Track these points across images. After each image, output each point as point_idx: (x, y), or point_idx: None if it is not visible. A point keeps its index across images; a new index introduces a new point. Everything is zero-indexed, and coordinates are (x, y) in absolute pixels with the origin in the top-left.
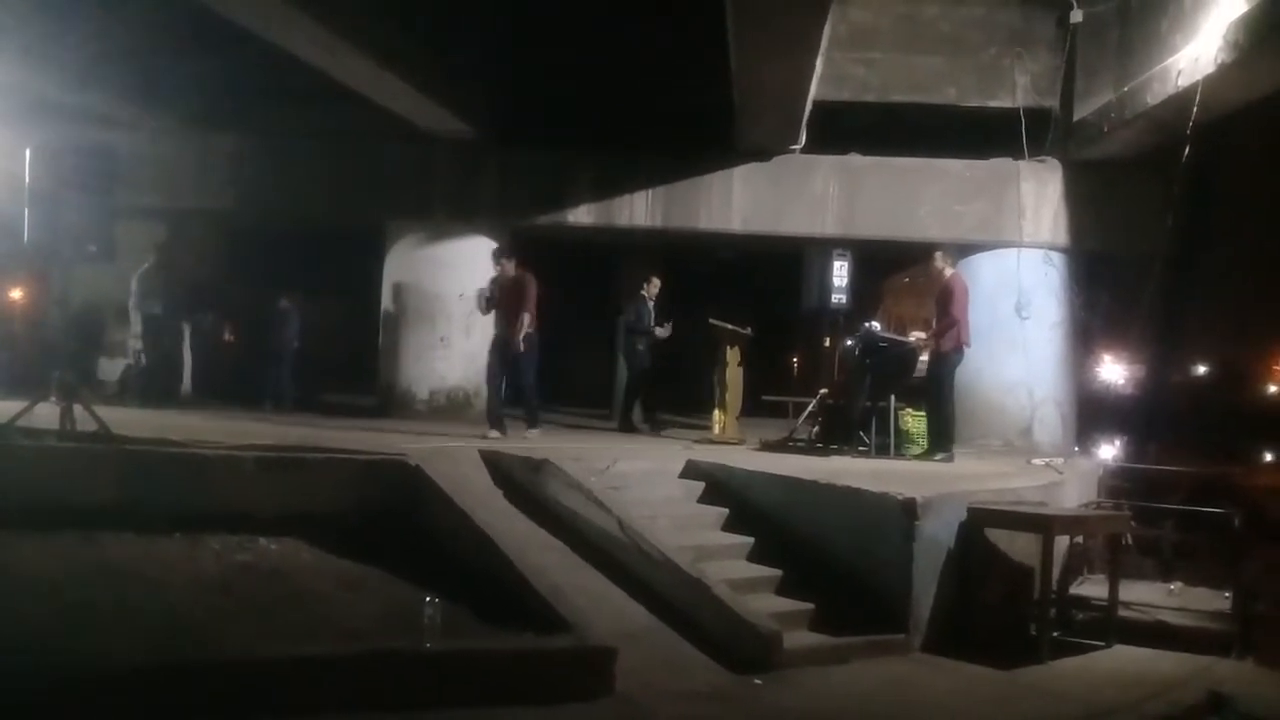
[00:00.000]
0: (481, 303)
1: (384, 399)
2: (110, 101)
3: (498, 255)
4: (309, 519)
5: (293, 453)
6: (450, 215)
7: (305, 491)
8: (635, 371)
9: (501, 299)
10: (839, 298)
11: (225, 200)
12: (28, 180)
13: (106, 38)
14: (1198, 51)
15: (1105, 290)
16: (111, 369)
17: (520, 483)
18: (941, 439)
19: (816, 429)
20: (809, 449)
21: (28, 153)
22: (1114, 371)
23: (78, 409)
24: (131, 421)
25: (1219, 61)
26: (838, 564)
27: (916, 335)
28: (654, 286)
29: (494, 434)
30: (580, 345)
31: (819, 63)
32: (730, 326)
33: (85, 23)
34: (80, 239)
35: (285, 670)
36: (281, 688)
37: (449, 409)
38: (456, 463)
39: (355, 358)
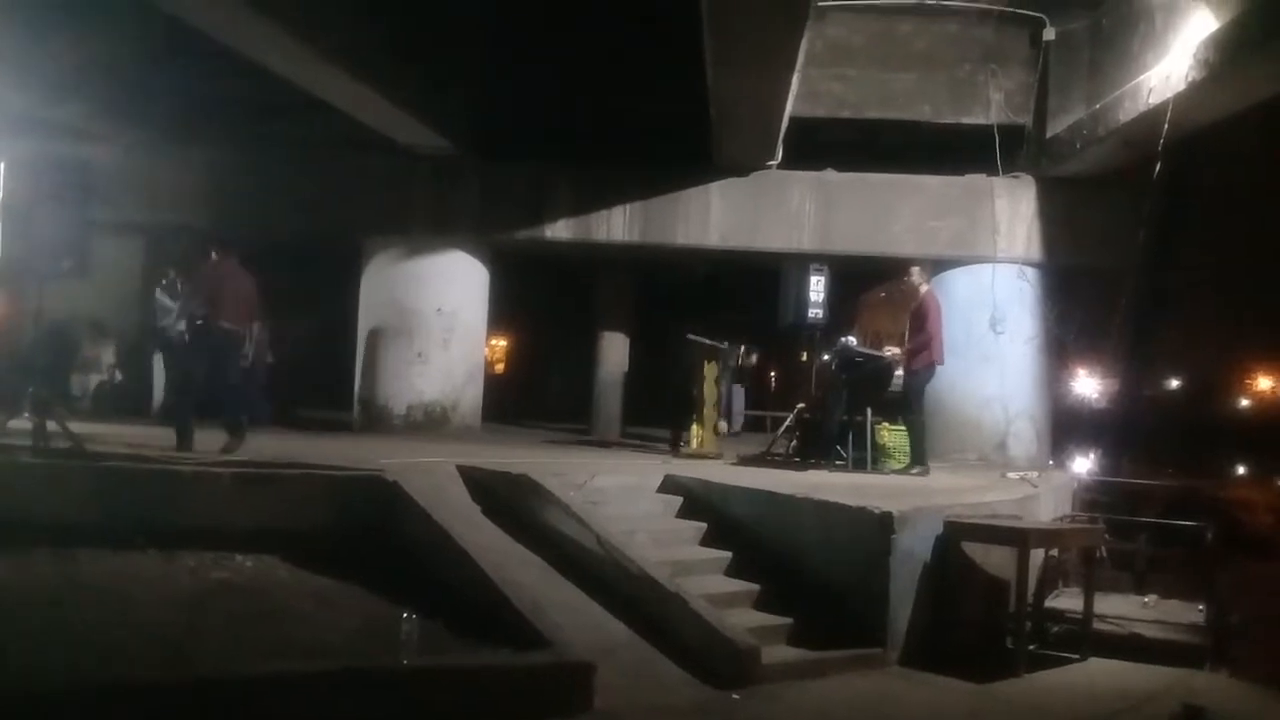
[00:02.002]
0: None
1: (362, 415)
2: (86, 115)
3: (205, 248)
4: (285, 535)
5: (269, 468)
6: (429, 230)
7: (281, 507)
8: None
9: (211, 293)
10: (816, 312)
11: (202, 215)
12: (2, 194)
13: (82, 51)
14: (1169, 69)
15: (1079, 305)
16: (85, 385)
17: (498, 497)
18: (915, 453)
19: (794, 443)
20: (786, 463)
21: (2, 166)
22: (1088, 385)
23: (51, 424)
24: (106, 437)
25: (1190, 79)
26: (815, 578)
27: (892, 350)
28: None
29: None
30: (559, 360)
31: (795, 79)
32: (707, 341)
33: (60, 36)
34: (55, 253)
35: (261, 688)
36: (257, 705)
37: (426, 424)
38: (434, 478)
39: (333, 373)
